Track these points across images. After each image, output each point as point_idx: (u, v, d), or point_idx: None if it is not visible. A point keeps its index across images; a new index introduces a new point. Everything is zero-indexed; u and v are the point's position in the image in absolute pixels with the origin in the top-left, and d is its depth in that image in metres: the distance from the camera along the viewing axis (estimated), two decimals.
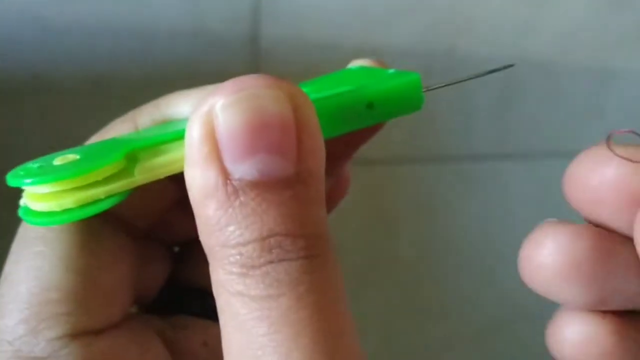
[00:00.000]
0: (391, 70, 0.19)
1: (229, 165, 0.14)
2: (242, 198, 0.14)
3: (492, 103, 0.53)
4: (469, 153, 0.55)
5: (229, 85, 0.14)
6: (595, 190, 0.15)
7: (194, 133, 0.14)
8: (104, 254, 0.18)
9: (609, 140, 0.16)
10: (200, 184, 0.14)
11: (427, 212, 0.55)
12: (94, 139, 0.19)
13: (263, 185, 0.14)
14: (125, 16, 0.45)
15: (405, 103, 0.18)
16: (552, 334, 0.16)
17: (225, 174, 0.14)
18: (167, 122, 0.19)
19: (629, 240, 0.15)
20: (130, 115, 0.19)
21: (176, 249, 0.23)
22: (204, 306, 0.21)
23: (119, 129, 0.19)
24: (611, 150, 0.16)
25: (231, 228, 0.14)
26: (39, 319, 0.16)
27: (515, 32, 0.53)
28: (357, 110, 0.17)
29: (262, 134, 0.13)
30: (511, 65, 0.20)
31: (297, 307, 0.13)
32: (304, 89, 0.18)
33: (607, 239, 0.15)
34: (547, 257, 0.15)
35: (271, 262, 0.14)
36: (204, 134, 0.14)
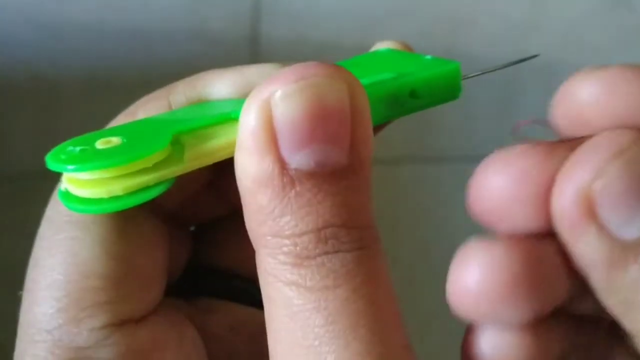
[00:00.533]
0: (428, 57, 0.18)
1: (286, 154, 0.13)
2: (298, 188, 0.13)
3: (492, 103, 0.53)
4: (469, 153, 0.55)
5: (288, 73, 0.13)
6: (500, 197, 0.15)
7: (251, 120, 0.13)
8: (141, 239, 0.17)
9: (514, 133, 0.15)
10: (254, 172, 0.14)
11: (427, 212, 0.55)
12: (124, 116, 0.18)
13: (319, 176, 0.13)
14: (125, 16, 0.45)
15: (446, 91, 0.18)
16: (467, 348, 0.15)
17: (281, 163, 0.13)
18: (202, 101, 0.18)
19: (550, 239, 0.14)
20: (163, 92, 0.19)
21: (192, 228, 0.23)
22: (228, 288, 0.21)
23: (151, 107, 0.18)
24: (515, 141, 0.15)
25: (286, 218, 0.13)
26: (79, 307, 0.16)
27: (515, 32, 0.53)
28: (401, 97, 0.17)
29: (321, 124, 0.13)
30: (536, 55, 0.19)
31: (354, 298, 0.13)
32: None
33: (531, 246, 0.14)
34: (475, 283, 0.14)
35: (327, 253, 0.13)
36: (262, 122, 0.13)
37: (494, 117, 0.53)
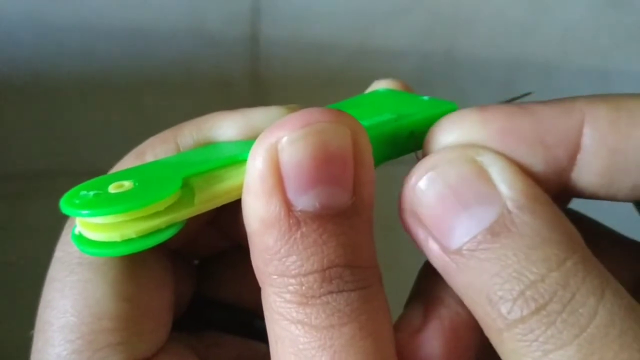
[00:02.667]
0: (426, 98, 0.19)
1: (292, 196, 0.14)
2: (303, 229, 0.14)
3: (491, 103, 0.53)
4: None
5: (294, 119, 0.14)
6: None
7: (259, 164, 0.14)
8: (151, 279, 0.18)
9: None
10: (261, 214, 0.14)
11: None
12: (132, 157, 0.19)
13: (324, 217, 0.14)
14: (125, 16, 0.45)
15: None
16: None
17: (288, 205, 0.14)
18: (209, 143, 0.19)
19: None
20: (170, 134, 0.19)
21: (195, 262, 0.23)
22: (233, 321, 0.21)
23: (159, 149, 0.19)
24: (417, 157, 0.16)
25: (292, 258, 0.14)
26: (93, 349, 0.16)
27: (515, 33, 0.53)
28: (400, 138, 0.18)
29: (325, 167, 0.14)
30: (529, 93, 0.20)
31: (360, 335, 0.14)
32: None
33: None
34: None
35: (331, 292, 0.14)
36: (269, 165, 0.14)
37: None
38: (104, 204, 0.15)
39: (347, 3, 0.48)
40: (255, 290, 0.16)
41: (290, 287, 0.14)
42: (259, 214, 0.14)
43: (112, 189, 0.16)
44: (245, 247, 0.15)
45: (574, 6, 0.53)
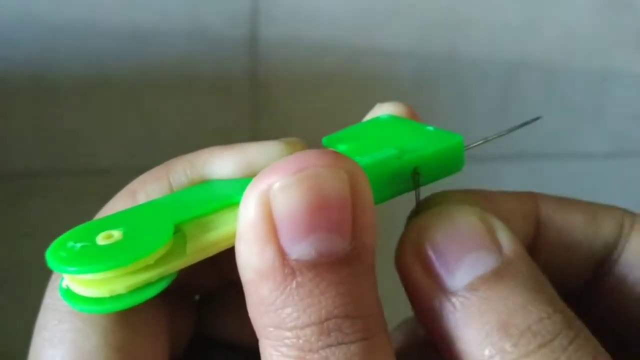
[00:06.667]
0: (430, 128, 0.18)
1: (286, 245, 0.13)
2: (299, 279, 0.13)
3: (491, 104, 0.53)
4: (468, 154, 0.55)
5: (287, 164, 0.14)
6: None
7: (251, 213, 0.14)
8: (144, 325, 0.17)
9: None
10: (255, 263, 0.14)
11: None
12: (124, 196, 0.18)
13: (321, 265, 0.13)
14: (125, 16, 0.45)
15: (449, 166, 0.17)
16: None
17: (282, 254, 0.13)
18: (203, 181, 0.18)
19: None
20: (162, 171, 0.18)
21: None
22: None
23: (151, 188, 0.18)
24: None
25: (288, 310, 0.13)
26: None
27: (515, 34, 0.53)
28: (404, 176, 0.17)
29: (321, 214, 0.13)
30: (539, 118, 0.20)
31: None
32: (341, 146, 0.17)
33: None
34: None
35: (330, 345, 0.13)
36: (261, 213, 0.13)
37: (493, 117, 0.53)
38: (91, 259, 0.14)
39: (347, 3, 0.48)
40: (253, 328, 0.15)
41: (287, 341, 0.13)
42: (252, 264, 0.14)
43: (101, 240, 0.15)
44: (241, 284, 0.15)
45: (574, 6, 0.53)
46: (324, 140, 0.19)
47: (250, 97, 0.48)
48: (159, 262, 0.15)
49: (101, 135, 0.46)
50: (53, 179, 0.43)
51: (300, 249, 0.13)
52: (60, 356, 0.16)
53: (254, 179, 0.14)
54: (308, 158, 0.14)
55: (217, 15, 0.46)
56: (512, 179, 0.56)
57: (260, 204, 0.13)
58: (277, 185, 0.13)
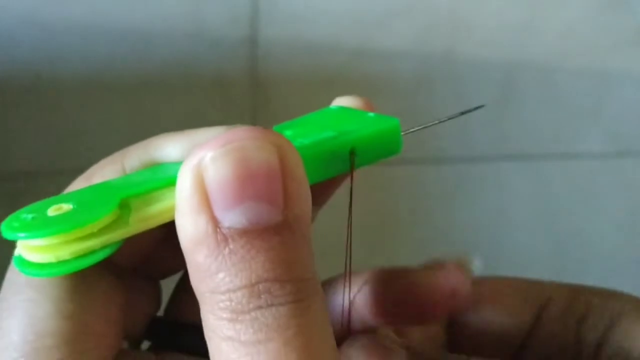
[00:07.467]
0: (371, 114, 0.19)
1: (219, 213, 0.14)
2: (231, 246, 0.14)
3: (490, 105, 0.53)
4: (467, 154, 0.55)
5: (217, 139, 0.14)
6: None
7: (185, 184, 0.14)
8: (94, 297, 0.18)
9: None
10: (190, 232, 0.14)
11: (426, 212, 0.55)
12: (82, 180, 0.19)
13: (251, 233, 0.14)
14: (124, 17, 0.45)
15: (386, 148, 0.18)
16: None
17: (214, 222, 0.14)
18: (155, 164, 0.19)
19: None
20: (118, 156, 0.19)
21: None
22: (195, 342, 0.21)
23: (107, 171, 0.19)
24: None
25: (221, 275, 0.14)
26: None
27: (514, 34, 0.53)
28: (340, 156, 0.18)
29: (249, 183, 0.14)
30: (482, 106, 0.20)
31: (285, 350, 0.14)
32: (288, 132, 0.19)
33: None
34: None
35: (260, 307, 0.14)
36: (194, 184, 0.14)
37: (493, 117, 0.54)
38: (39, 226, 0.16)
39: (347, 3, 0.48)
40: None
41: (221, 304, 0.14)
42: (188, 233, 0.14)
43: (51, 211, 0.16)
44: None
45: (574, 6, 0.53)
46: (274, 127, 0.19)
47: (249, 96, 0.48)
48: (102, 231, 0.16)
49: (101, 135, 0.46)
50: (53, 179, 0.43)
51: (231, 218, 0.14)
52: (16, 324, 0.17)
53: (186, 150, 0.15)
54: (237, 132, 0.14)
55: (217, 16, 0.46)
56: (509, 179, 0.56)
57: (193, 176, 0.14)
58: (207, 157, 0.14)
